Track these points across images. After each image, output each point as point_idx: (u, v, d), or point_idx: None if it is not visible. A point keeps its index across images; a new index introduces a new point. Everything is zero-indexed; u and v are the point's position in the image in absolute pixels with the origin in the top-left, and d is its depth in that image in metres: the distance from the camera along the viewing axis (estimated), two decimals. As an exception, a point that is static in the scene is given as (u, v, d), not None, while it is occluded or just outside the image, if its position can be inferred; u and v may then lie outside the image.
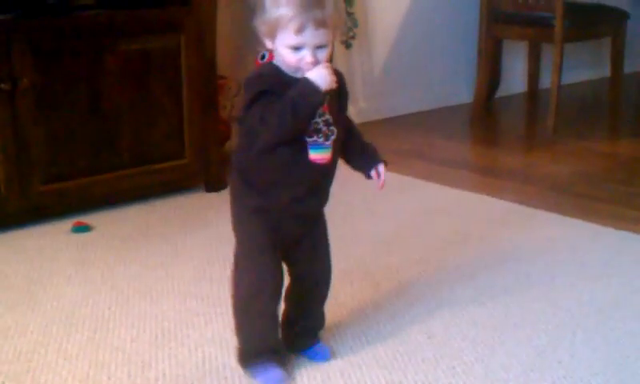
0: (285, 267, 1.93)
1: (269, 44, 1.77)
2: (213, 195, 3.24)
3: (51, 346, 2.08)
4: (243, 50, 3.77)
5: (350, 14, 4.09)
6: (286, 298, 1.97)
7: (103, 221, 2.96)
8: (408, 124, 4.45)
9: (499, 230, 2.89)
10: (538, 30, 4.34)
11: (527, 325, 2.18)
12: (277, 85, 1.74)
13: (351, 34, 4.14)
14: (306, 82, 1.71)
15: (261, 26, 1.76)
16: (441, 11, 4.74)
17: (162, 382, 1.92)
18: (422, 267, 2.56)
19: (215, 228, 2.87)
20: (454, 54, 4.85)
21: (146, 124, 3.10)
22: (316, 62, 1.72)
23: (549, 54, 4.52)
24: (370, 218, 3.01)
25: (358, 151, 1.94)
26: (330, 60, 1.78)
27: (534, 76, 5.10)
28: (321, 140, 1.79)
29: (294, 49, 1.72)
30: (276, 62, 1.78)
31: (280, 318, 1.95)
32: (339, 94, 1.84)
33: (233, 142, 3.45)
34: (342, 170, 1.92)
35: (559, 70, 4.21)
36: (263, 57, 1.81)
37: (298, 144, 1.77)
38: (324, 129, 1.79)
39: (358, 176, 1.97)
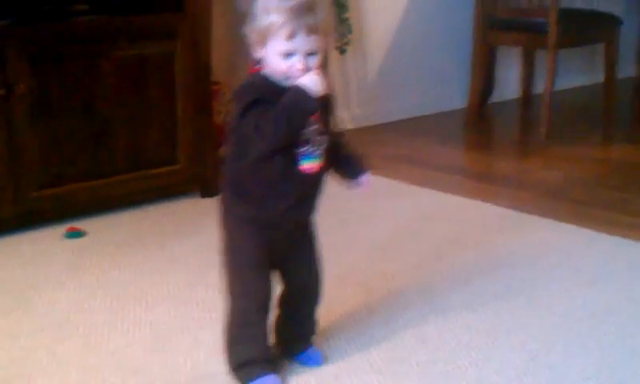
0: (276, 275, 1.93)
1: (259, 52, 1.77)
2: (208, 201, 3.24)
3: (45, 352, 2.07)
4: (237, 56, 3.78)
5: (344, 20, 4.10)
6: (278, 305, 1.97)
7: (97, 226, 2.96)
8: (402, 129, 4.46)
9: (493, 235, 2.90)
10: (531, 36, 4.35)
11: (521, 330, 2.18)
12: (268, 93, 1.74)
13: (345, 39, 4.15)
14: (299, 89, 1.72)
15: (251, 33, 1.76)
16: (435, 17, 4.75)
17: (155, 388, 1.92)
18: (416, 272, 2.56)
19: (210, 233, 2.85)
20: (448, 59, 4.86)
21: (140, 129, 3.10)
22: (307, 69, 1.73)
23: (542, 60, 4.54)
24: (363, 223, 3.01)
25: (343, 161, 1.93)
26: (325, 66, 1.78)
27: (527, 82, 5.11)
28: (311, 149, 1.80)
29: (285, 55, 1.72)
30: (265, 71, 1.78)
31: (272, 326, 1.95)
32: (326, 103, 1.84)
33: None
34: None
35: (553, 75, 4.23)
36: (258, 62, 1.81)
37: (289, 153, 1.78)
38: (314, 138, 1.80)
39: (351, 181, 1.97)
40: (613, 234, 2.86)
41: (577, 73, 5.35)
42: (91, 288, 2.46)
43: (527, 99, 5.10)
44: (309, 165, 1.80)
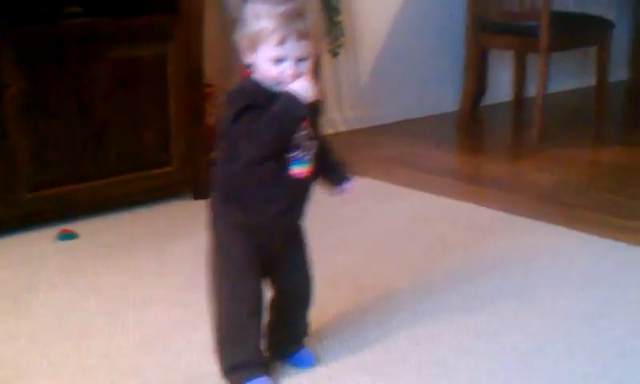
0: (267, 280, 1.93)
1: (250, 58, 1.77)
2: (200, 203, 3.24)
3: (37, 353, 2.07)
4: (230, 59, 3.78)
5: (336, 23, 4.10)
6: (269, 308, 1.97)
7: (90, 228, 2.96)
8: (394, 132, 4.46)
9: (484, 238, 2.91)
10: (523, 40, 4.36)
11: (512, 332, 2.19)
12: (260, 99, 1.75)
13: (338, 42, 4.15)
14: (290, 96, 1.72)
15: (241, 39, 1.77)
16: (427, 20, 4.76)
17: (148, 389, 1.92)
18: (407, 274, 2.57)
19: (203, 235, 2.85)
20: (440, 62, 4.87)
21: (133, 131, 3.11)
22: (297, 74, 1.73)
23: (534, 63, 4.55)
24: (355, 225, 3.02)
25: (328, 167, 1.94)
26: (317, 71, 1.78)
27: (519, 85, 5.12)
28: (301, 154, 1.80)
29: (276, 61, 1.73)
30: (256, 76, 1.79)
31: (263, 329, 1.95)
32: (314, 108, 1.85)
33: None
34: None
35: (545, 78, 4.24)
36: (249, 67, 1.82)
37: (280, 158, 1.78)
38: (304, 143, 1.80)
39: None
40: (604, 237, 2.87)
41: (569, 76, 5.36)
42: (85, 290, 2.46)
43: (519, 102, 5.10)
44: (299, 169, 1.81)
